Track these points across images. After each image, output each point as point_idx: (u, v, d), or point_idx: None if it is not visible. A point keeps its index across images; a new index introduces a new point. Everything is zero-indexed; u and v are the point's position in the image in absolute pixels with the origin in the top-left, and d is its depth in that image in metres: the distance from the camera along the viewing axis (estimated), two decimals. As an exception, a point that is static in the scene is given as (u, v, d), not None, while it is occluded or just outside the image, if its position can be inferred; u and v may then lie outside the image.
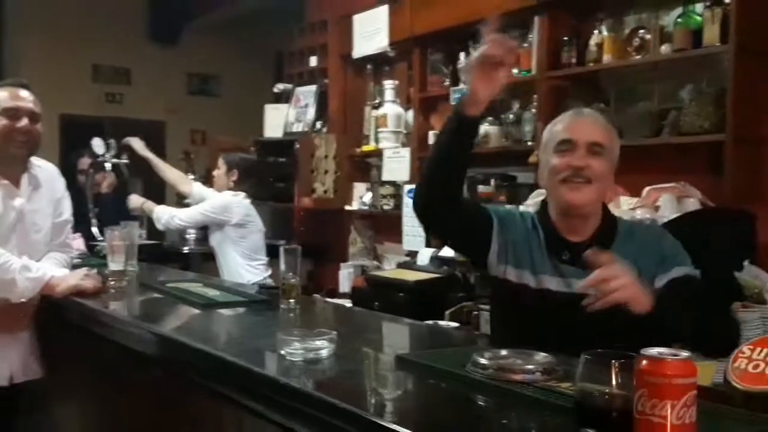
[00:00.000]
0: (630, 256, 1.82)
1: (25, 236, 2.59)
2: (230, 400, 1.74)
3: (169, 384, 2.08)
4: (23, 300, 2.49)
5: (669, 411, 1.02)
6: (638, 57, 3.32)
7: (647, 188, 3.02)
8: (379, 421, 1.27)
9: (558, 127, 1.94)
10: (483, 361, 1.50)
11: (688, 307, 1.72)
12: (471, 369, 1.50)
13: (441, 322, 3.38)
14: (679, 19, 3.13)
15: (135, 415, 2.34)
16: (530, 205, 3.14)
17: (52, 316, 2.59)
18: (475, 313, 3.39)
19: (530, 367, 1.46)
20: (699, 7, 3.14)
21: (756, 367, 1.30)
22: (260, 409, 1.62)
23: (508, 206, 2.46)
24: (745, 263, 2.51)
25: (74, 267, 2.82)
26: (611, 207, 2.33)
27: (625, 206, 3.05)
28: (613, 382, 1.12)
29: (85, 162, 4.57)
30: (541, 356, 1.50)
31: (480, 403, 1.44)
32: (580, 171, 1.86)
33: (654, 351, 1.08)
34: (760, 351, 1.32)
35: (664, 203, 2.87)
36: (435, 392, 1.51)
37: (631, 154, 3.34)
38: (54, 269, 2.59)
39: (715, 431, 1.11)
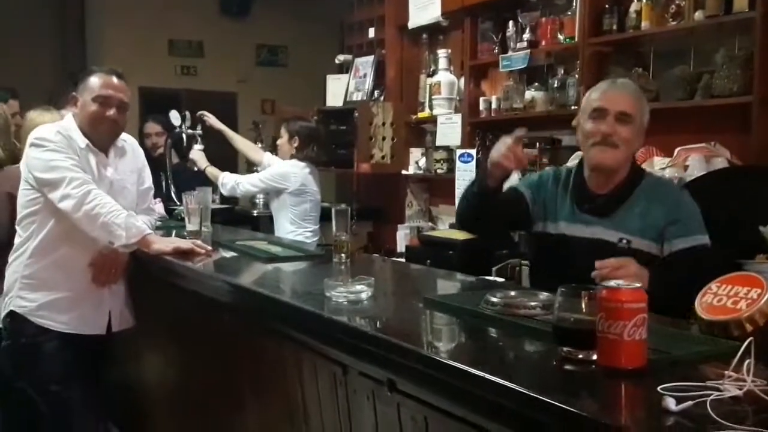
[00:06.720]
0: (643, 204, 2.14)
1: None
2: (288, 337, 2.06)
3: (237, 327, 2.39)
4: (123, 249, 2.61)
5: (622, 329, 1.28)
6: (674, 23, 3.45)
7: (678, 149, 3.18)
8: (404, 344, 1.56)
9: (593, 96, 2.22)
10: (493, 299, 1.77)
11: (682, 285, 1.74)
12: (483, 306, 1.77)
13: (488, 278, 3.62)
14: (710, -15, 3.24)
15: (208, 356, 2.66)
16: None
17: (137, 271, 2.82)
18: (518, 268, 3.63)
19: (532, 303, 1.73)
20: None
21: (719, 300, 1.52)
22: (310, 341, 1.94)
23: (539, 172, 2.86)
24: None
25: (157, 229, 3.08)
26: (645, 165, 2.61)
27: (657, 166, 3.21)
28: (583, 309, 1.38)
29: (150, 126, 4.91)
30: (543, 295, 1.76)
31: (489, 332, 1.71)
32: (608, 137, 2.14)
33: (612, 282, 1.34)
34: (726, 287, 1.54)
35: (692, 162, 3.04)
36: (453, 325, 1.80)
37: (666, 116, 3.56)
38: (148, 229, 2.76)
39: (663, 346, 1.35)
